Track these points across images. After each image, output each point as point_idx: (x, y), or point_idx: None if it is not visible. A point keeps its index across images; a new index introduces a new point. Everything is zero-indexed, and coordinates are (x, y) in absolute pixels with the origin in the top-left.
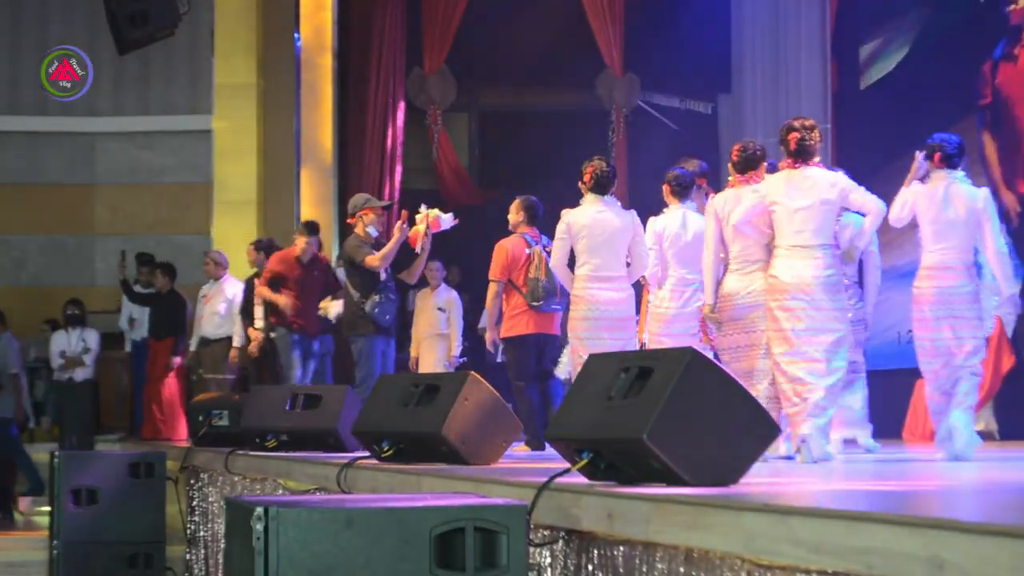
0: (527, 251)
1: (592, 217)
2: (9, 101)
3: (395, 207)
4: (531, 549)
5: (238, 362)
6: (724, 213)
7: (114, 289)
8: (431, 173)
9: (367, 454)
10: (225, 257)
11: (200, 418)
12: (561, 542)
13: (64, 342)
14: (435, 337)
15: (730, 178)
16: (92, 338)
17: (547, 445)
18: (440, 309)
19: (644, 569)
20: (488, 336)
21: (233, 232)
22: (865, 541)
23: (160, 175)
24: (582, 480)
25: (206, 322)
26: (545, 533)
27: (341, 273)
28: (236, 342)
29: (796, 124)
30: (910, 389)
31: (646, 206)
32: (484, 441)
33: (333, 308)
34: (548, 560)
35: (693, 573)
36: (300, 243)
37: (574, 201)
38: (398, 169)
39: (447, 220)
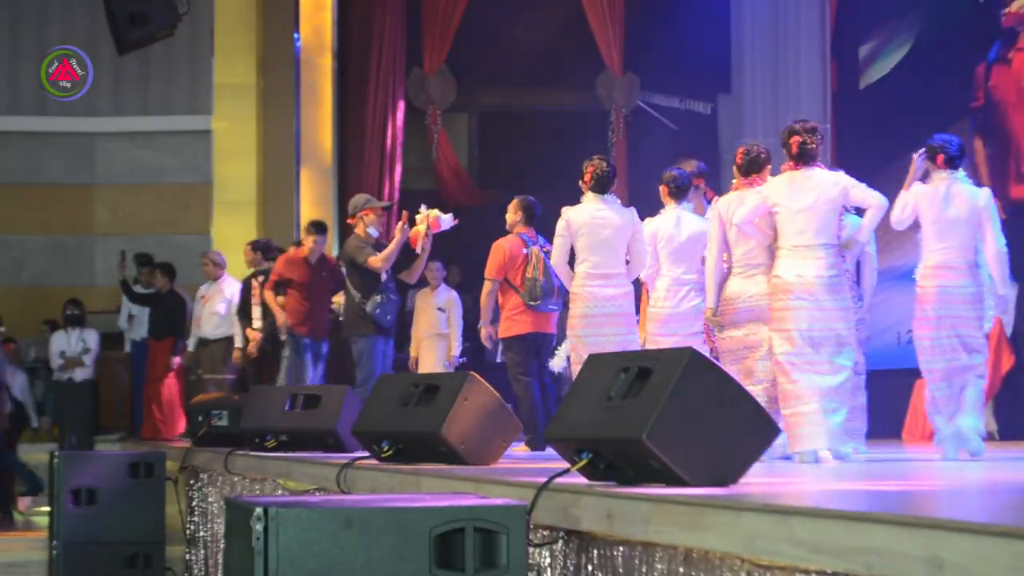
0: (524, 251)
1: (592, 215)
2: (9, 101)
3: (395, 207)
4: (531, 549)
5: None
6: (728, 215)
7: (114, 289)
8: (431, 173)
9: (367, 454)
10: (223, 257)
11: (200, 418)
12: (561, 542)
13: (64, 342)
14: (435, 337)
15: (734, 180)
16: (92, 338)
17: (546, 445)
18: (440, 309)
19: (644, 569)
20: (483, 331)
21: (233, 232)
22: (865, 541)
23: (160, 175)
24: (582, 480)
25: (205, 322)
26: (545, 533)
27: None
28: (238, 343)
29: (798, 127)
30: (910, 389)
31: (646, 206)
32: (484, 441)
33: None
34: (548, 560)
35: (693, 573)
36: (308, 243)
37: (574, 201)
38: (398, 169)
39: (447, 220)
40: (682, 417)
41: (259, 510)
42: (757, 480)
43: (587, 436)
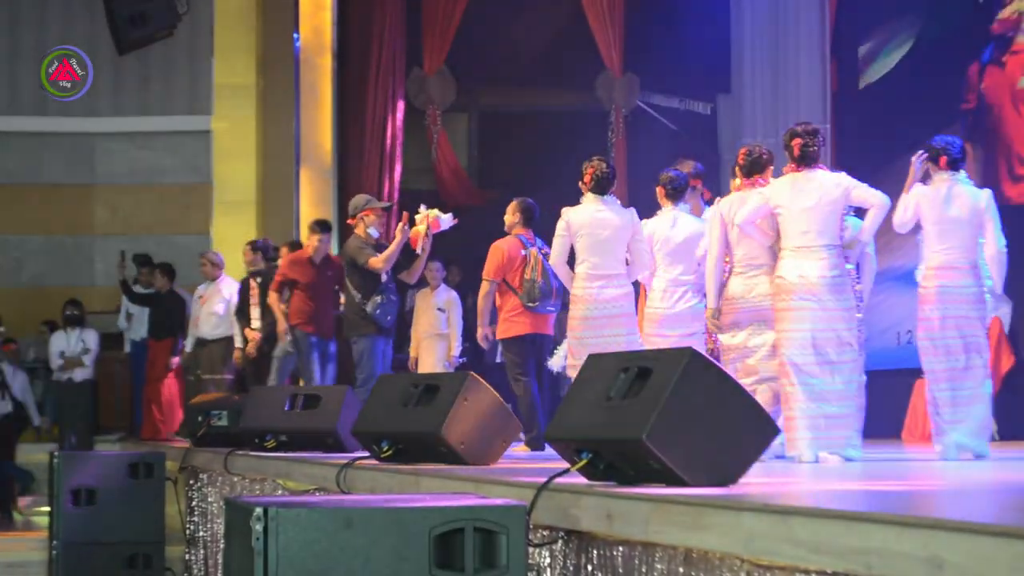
0: (523, 252)
1: (592, 215)
2: (9, 101)
3: (395, 208)
4: (530, 549)
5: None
6: (729, 216)
7: (114, 289)
8: (430, 173)
9: (366, 454)
10: (221, 258)
11: (199, 418)
12: (560, 542)
13: (63, 342)
14: (435, 337)
15: (736, 181)
16: (91, 338)
17: (546, 445)
18: (440, 309)
19: (643, 569)
20: (480, 332)
21: (232, 232)
22: (864, 541)
23: (160, 175)
24: (581, 480)
25: (203, 323)
26: (544, 533)
27: None
28: (238, 343)
29: (799, 129)
30: (909, 390)
31: (645, 207)
32: (483, 441)
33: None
34: (547, 560)
35: (692, 573)
36: (312, 242)
37: (573, 201)
38: (397, 169)
39: (447, 220)
40: (682, 417)
41: (259, 510)
42: (757, 480)
43: (587, 436)
